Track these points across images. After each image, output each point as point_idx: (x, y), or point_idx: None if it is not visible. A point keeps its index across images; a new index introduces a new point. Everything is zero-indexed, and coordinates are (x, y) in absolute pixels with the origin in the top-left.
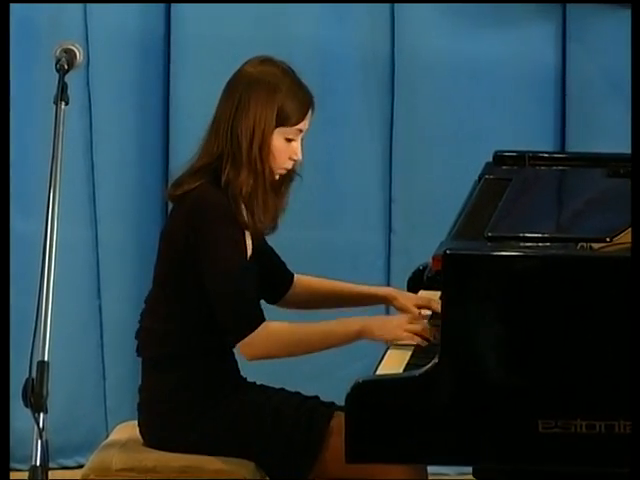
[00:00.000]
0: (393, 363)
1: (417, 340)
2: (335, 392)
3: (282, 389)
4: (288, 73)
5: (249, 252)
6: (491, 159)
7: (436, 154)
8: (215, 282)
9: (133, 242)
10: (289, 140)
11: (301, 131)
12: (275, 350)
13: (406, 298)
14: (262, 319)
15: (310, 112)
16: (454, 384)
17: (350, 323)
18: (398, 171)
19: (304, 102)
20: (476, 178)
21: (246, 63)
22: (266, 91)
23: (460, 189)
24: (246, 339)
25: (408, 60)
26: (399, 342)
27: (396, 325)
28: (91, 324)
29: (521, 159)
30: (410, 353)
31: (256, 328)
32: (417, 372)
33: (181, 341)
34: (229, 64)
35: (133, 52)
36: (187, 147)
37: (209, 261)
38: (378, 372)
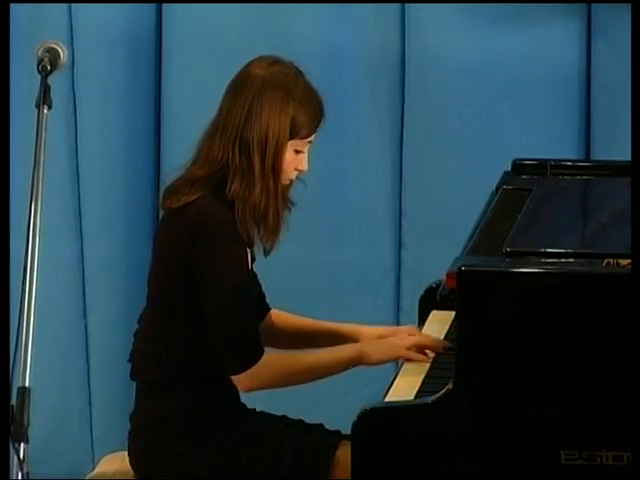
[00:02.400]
0: (404, 389)
1: (421, 356)
2: (341, 420)
3: (284, 417)
4: (300, 78)
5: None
6: (510, 168)
7: (450, 163)
8: (216, 305)
9: (122, 258)
10: (297, 152)
11: (310, 142)
12: (273, 382)
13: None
14: (263, 349)
15: (322, 122)
16: (470, 411)
17: (346, 349)
18: (409, 181)
19: (317, 112)
20: (493, 188)
21: (252, 64)
22: (280, 98)
23: (476, 200)
24: (247, 371)
25: (420, 61)
26: (405, 362)
27: (394, 343)
28: (76, 346)
29: (542, 168)
30: (422, 378)
31: (257, 361)
32: (430, 399)
33: (178, 365)
34: (226, 66)
35: (122, 52)
36: (181, 155)
37: (210, 281)
38: (387, 399)
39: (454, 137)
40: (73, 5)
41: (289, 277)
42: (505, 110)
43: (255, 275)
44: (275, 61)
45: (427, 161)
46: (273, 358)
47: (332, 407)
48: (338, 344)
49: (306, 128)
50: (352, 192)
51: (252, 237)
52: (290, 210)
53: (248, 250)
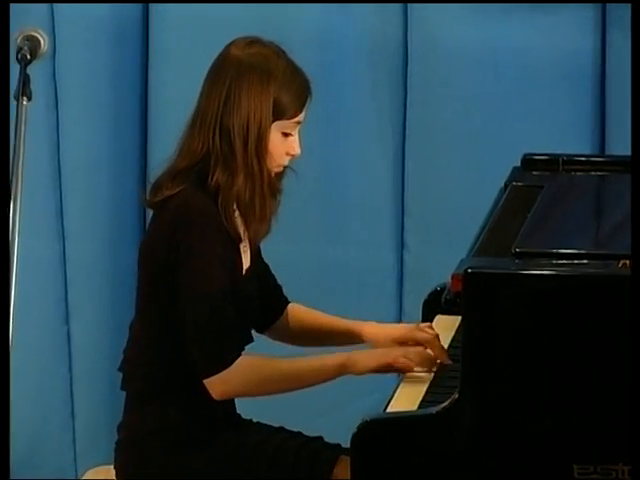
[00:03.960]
0: (406, 399)
1: (412, 365)
2: (341, 431)
3: (282, 428)
4: (281, 56)
5: (247, 264)
6: (519, 163)
7: (456, 158)
8: (189, 305)
9: (107, 258)
10: (286, 134)
11: (299, 123)
12: (248, 387)
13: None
14: (238, 353)
15: (308, 100)
16: (477, 423)
17: (333, 356)
18: (412, 177)
19: (301, 90)
20: (502, 185)
21: (231, 45)
22: (259, 79)
23: (484, 198)
24: (219, 375)
25: (424, 50)
26: (397, 372)
27: (383, 352)
28: (58, 353)
29: (554, 163)
30: (425, 388)
31: (231, 364)
32: (434, 409)
33: (169, 373)
34: (216, 51)
35: (106, 40)
36: (169, 149)
37: (186, 280)
38: (389, 409)
39: (460, 131)
40: None
41: (284, 279)
42: (515, 102)
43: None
44: (252, 41)
45: (431, 156)
46: (249, 361)
47: (330, 418)
48: (353, 344)
49: (291, 108)
50: (351, 189)
51: (239, 230)
52: (277, 199)
53: (240, 246)
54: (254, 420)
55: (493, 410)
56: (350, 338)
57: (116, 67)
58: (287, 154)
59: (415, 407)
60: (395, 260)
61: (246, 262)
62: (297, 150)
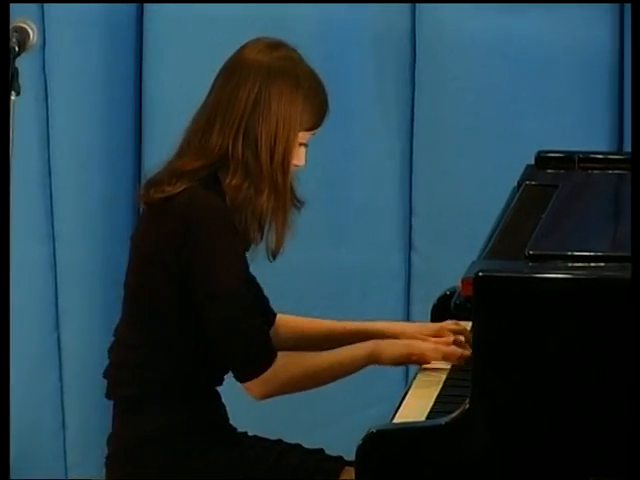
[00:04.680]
0: (414, 409)
1: (441, 354)
2: (344, 443)
3: (280, 441)
4: (304, 64)
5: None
6: (533, 161)
7: (466, 156)
8: (218, 309)
9: (99, 262)
10: (300, 144)
11: (314, 134)
12: (290, 385)
13: (416, 329)
14: (275, 351)
15: (328, 113)
16: (489, 433)
17: (361, 347)
18: (420, 176)
19: (323, 102)
20: (515, 184)
21: (250, 46)
22: (289, 86)
23: (495, 198)
24: (261, 376)
25: (432, 41)
26: (420, 371)
27: (411, 342)
28: (48, 361)
29: (569, 161)
30: (434, 397)
31: (271, 364)
32: (444, 420)
33: (159, 379)
34: (215, 48)
35: (98, 32)
36: (165, 147)
37: (209, 282)
38: (396, 420)
39: (470, 127)
40: None
41: (287, 283)
42: (528, 96)
43: (254, 279)
44: (277, 44)
45: (440, 153)
46: (286, 359)
47: (334, 429)
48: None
49: (313, 119)
50: (356, 189)
51: (251, 239)
52: (299, 210)
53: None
54: (250, 433)
55: (506, 421)
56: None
57: (109, 60)
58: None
59: (424, 417)
60: (402, 263)
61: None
62: (303, 161)
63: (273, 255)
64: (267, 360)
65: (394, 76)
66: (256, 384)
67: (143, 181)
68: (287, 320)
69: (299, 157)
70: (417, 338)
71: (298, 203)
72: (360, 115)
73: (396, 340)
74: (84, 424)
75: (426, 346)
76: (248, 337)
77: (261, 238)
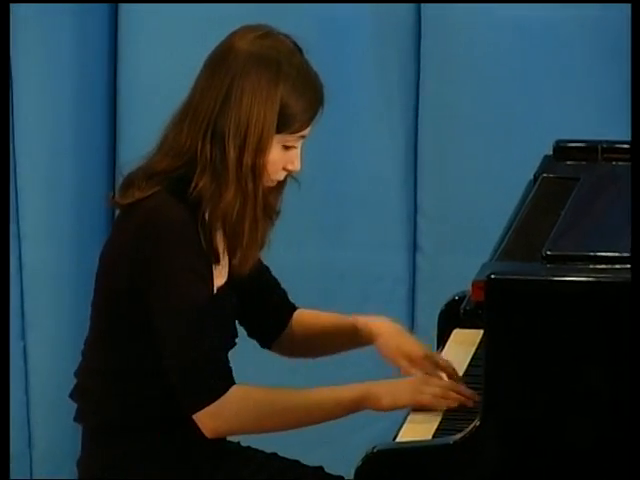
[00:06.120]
0: (419, 427)
1: (445, 403)
2: (344, 463)
3: (274, 455)
4: (295, 54)
5: (221, 282)
6: (551, 151)
7: (476, 147)
8: (169, 328)
9: (69, 265)
10: (287, 147)
11: (303, 137)
12: (244, 424)
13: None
14: (231, 380)
15: (319, 114)
16: (502, 453)
17: (351, 388)
18: (425, 169)
19: (314, 99)
20: (531, 177)
21: (236, 34)
22: (267, 78)
23: (509, 192)
24: (209, 408)
25: (438, 22)
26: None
27: (411, 388)
28: (13, 373)
29: (592, 151)
30: (441, 413)
31: (221, 394)
32: (452, 438)
33: (129, 405)
34: (202, 32)
35: (69, 10)
36: (141, 141)
37: (161, 298)
38: (399, 438)
39: (481, 115)
40: None
41: (283, 286)
42: (545, 80)
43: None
44: (266, 33)
45: (448, 145)
46: (244, 391)
47: (333, 447)
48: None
49: (298, 120)
50: (356, 184)
51: (218, 250)
52: (273, 222)
53: (214, 266)
54: (242, 445)
55: (521, 439)
56: (357, 337)
57: (80, 42)
58: (284, 169)
59: (430, 436)
60: (407, 265)
61: (219, 280)
62: (297, 166)
63: (235, 273)
64: (216, 389)
65: (397, 61)
66: (204, 417)
67: (121, 180)
68: (302, 315)
69: (291, 161)
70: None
71: (274, 215)
72: (360, 103)
73: (396, 384)
74: (52, 444)
75: (434, 392)
76: (199, 362)
77: (230, 251)
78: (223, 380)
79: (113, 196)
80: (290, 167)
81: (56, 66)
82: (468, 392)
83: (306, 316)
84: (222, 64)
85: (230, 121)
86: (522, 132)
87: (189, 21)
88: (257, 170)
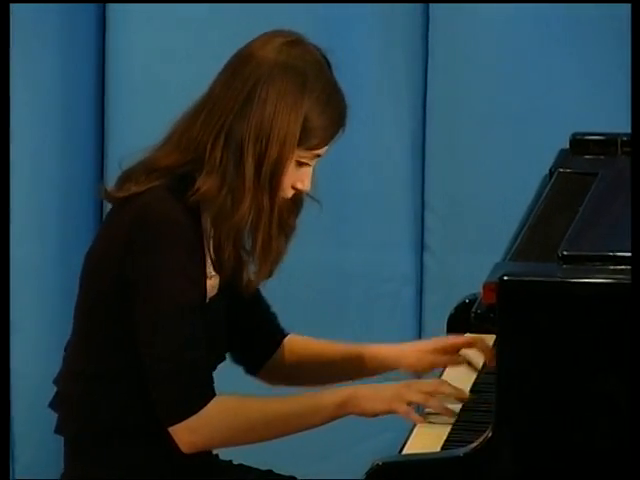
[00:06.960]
0: (427, 439)
1: (417, 418)
2: (348, 477)
3: (270, 472)
4: (324, 68)
5: (213, 292)
6: (568, 145)
7: (488, 140)
8: (150, 333)
9: (55, 264)
10: (301, 163)
11: (319, 156)
12: (223, 438)
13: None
14: (212, 392)
15: (340, 133)
16: (516, 466)
17: (330, 393)
18: (434, 165)
19: (336, 118)
20: (546, 172)
21: (263, 39)
22: (294, 88)
23: (522, 189)
24: (187, 421)
25: (447, 12)
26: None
27: (394, 395)
28: None
29: (611, 144)
30: (451, 424)
31: (200, 408)
32: (462, 451)
33: (113, 415)
34: (187, 31)
35: (57, 9)
36: (132, 131)
37: (145, 301)
38: (406, 450)
39: (493, 107)
40: None
41: (283, 288)
42: (561, 69)
43: (258, 292)
44: (295, 40)
45: (457, 138)
46: (222, 403)
47: (334, 461)
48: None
49: (318, 136)
50: (362, 180)
51: (225, 262)
52: (289, 239)
53: (215, 275)
54: (235, 462)
55: (535, 451)
56: (363, 365)
57: (68, 32)
58: (293, 187)
59: (438, 448)
60: (414, 265)
61: (212, 289)
62: (307, 186)
63: (246, 288)
64: (195, 402)
65: (404, 49)
66: (181, 431)
67: (104, 179)
68: (296, 340)
69: (302, 180)
70: (414, 362)
71: (290, 232)
72: (366, 98)
73: (378, 389)
74: (35, 457)
75: (415, 398)
76: (178, 371)
77: (237, 267)
78: (202, 392)
79: (106, 189)
80: (299, 186)
81: (44, 66)
82: (454, 390)
83: (298, 342)
84: (246, 65)
85: (250, 126)
86: (536, 125)
87: (177, 21)
88: (275, 182)
